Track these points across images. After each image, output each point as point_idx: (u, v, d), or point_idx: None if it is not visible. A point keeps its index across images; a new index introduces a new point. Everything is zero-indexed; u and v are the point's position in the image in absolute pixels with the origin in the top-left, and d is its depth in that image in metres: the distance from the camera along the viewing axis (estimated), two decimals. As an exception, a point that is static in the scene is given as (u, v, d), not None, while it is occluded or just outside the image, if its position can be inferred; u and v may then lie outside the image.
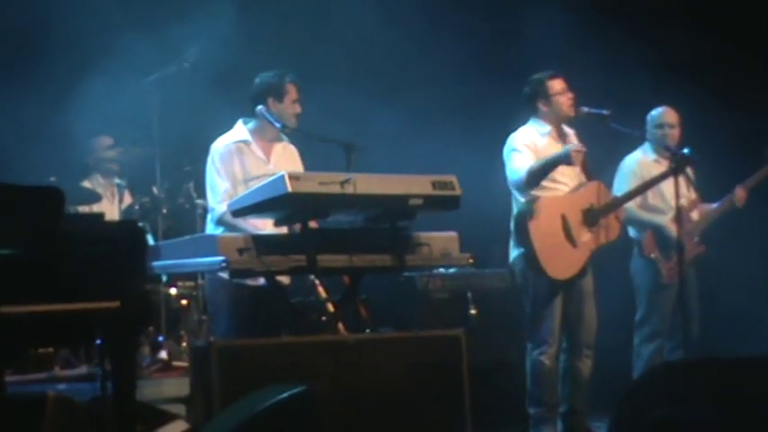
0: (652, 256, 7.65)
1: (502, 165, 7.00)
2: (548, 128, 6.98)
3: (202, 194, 6.96)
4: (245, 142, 6.44)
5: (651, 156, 7.77)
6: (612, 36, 8.54)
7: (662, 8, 8.94)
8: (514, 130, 7.04)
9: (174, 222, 7.74)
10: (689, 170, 7.50)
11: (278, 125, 6.38)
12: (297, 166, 6.52)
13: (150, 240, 7.16)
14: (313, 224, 5.73)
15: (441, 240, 5.79)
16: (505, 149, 7.00)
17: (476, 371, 5.76)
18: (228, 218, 6.01)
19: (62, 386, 6.29)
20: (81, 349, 6.95)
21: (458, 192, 5.67)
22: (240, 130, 6.48)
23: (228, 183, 6.32)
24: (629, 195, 7.35)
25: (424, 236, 5.75)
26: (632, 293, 7.80)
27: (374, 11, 8.43)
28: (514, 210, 6.95)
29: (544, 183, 6.87)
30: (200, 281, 7.48)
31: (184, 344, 7.52)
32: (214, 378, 5.14)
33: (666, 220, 7.58)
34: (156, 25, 7.90)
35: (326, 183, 5.39)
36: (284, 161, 6.46)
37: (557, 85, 6.99)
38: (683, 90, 7.99)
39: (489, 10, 8.99)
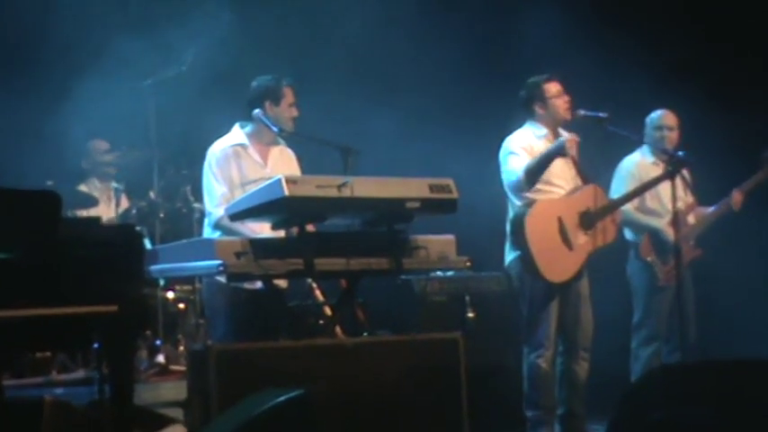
0: (649, 259, 7.66)
1: (499, 168, 7.00)
2: (544, 131, 6.98)
3: (199, 198, 6.97)
4: (243, 146, 6.44)
5: (649, 158, 7.78)
6: (610, 38, 8.54)
7: (660, 10, 8.94)
8: (512, 132, 7.04)
9: (172, 226, 7.74)
10: (686, 173, 7.51)
11: (275, 129, 6.38)
12: (294, 169, 6.52)
13: (147, 244, 7.16)
14: (310, 228, 5.73)
15: (438, 243, 5.79)
16: (501, 152, 7.00)
17: (473, 374, 5.76)
18: (226, 222, 6.00)
19: (59, 390, 6.30)
20: (78, 353, 6.95)
21: (455, 195, 5.66)
22: (237, 134, 6.48)
23: (225, 187, 6.32)
24: (626, 198, 7.36)
25: (422, 239, 5.75)
26: (629, 296, 7.80)
27: (371, 14, 8.43)
28: (510, 213, 6.95)
29: (540, 186, 6.87)
30: (197, 285, 7.49)
31: (182, 348, 7.52)
32: (212, 382, 5.13)
33: (664, 224, 7.58)
34: (152, 28, 7.90)
35: (324, 186, 5.39)
36: (281, 165, 6.45)
37: (553, 88, 6.99)
38: (680, 93, 7.99)
39: (486, 12, 8.99)
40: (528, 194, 6.87)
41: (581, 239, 6.88)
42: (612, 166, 7.83)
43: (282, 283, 6.27)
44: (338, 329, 5.99)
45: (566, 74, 7.13)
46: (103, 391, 4.95)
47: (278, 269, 5.48)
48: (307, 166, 6.58)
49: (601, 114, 6.93)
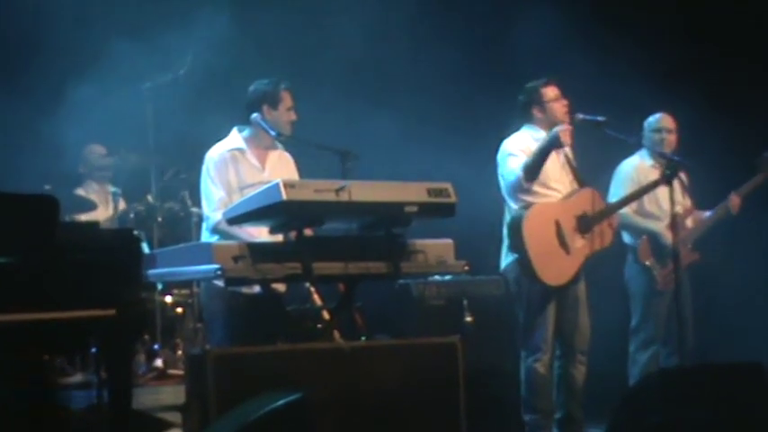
0: (647, 263, 7.66)
1: (497, 171, 7.00)
2: (542, 134, 6.98)
3: (197, 202, 6.96)
4: (240, 150, 6.43)
5: (648, 161, 7.78)
6: (608, 42, 8.55)
7: (658, 15, 8.95)
8: (510, 136, 7.04)
9: (170, 230, 7.74)
10: (683, 177, 7.51)
11: (273, 133, 6.38)
12: (292, 173, 6.52)
13: (145, 248, 7.15)
14: (308, 232, 5.73)
15: (436, 248, 5.78)
16: (500, 155, 7.00)
17: (472, 378, 5.76)
18: (224, 226, 6.00)
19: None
20: (77, 357, 6.95)
21: (453, 199, 5.66)
22: (235, 138, 6.48)
23: (223, 191, 6.31)
24: (622, 202, 7.36)
25: (420, 243, 5.74)
26: (627, 300, 7.80)
27: (368, 18, 8.44)
28: (507, 216, 6.95)
29: (537, 189, 6.88)
30: (195, 289, 7.48)
31: (180, 352, 7.52)
32: (210, 386, 5.13)
33: (662, 227, 7.58)
34: (150, 32, 7.90)
35: (321, 190, 5.38)
36: (279, 169, 6.45)
37: (551, 92, 7.00)
38: (678, 96, 8.00)
39: (485, 16, 8.99)
40: (525, 198, 6.87)
41: (578, 243, 6.89)
42: (611, 170, 7.84)
43: (280, 287, 6.27)
44: (336, 333, 5.98)
45: (564, 77, 7.14)
46: (102, 396, 4.96)
47: (276, 273, 5.48)
48: (305, 170, 6.58)
49: (599, 118, 6.93)
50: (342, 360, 5.41)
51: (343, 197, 5.40)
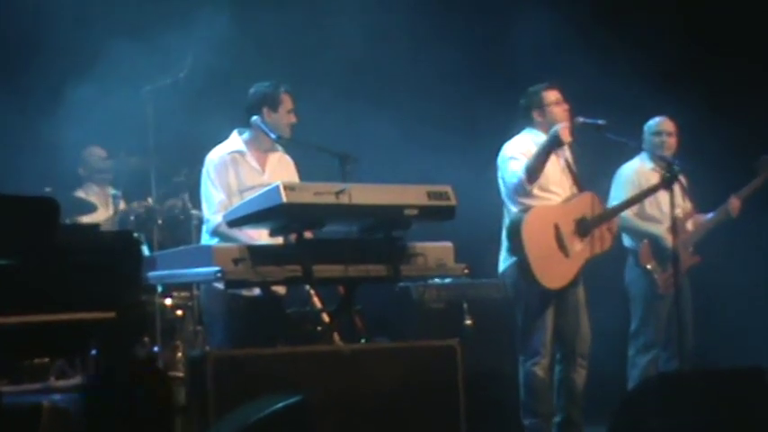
0: (648, 266, 7.65)
1: (496, 174, 7.00)
2: (543, 137, 6.97)
3: (198, 205, 6.96)
4: (240, 153, 6.43)
5: (648, 164, 7.77)
6: (608, 44, 8.55)
7: (658, 15, 8.95)
8: (510, 139, 7.04)
9: (170, 233, 7.73)
10: (683, 180, 7.51)
11: (273, 135, 6.38)
12: (292, 176, 6.52)
13: (145, 251, 7.15)
14: (308, 234, 5.73)
15: (436, 250, 5.79)
16: (500, 158, 7.00)
17: (471, 381, 5.76)
18: (224, 228, 6.01)
19: (57, 396, 6.28)
20: (76, 359, 6.94)
21: (453, 202, 5.66)
22: (235, 141, 6.48)
23: (223, 193, 6.32)
24: (622, 206, 7.35)
25: (420, 246, 5.75)
26: (626, 303, 7.80)
27: (368, 19, 8.44)
28: (506, 220, 6.95)
29: (537, 192, 6.87)
30: (195, 291, 7.47)
31: (180, 354, 7.51)
32: (210, 388, 5.14)
33: (663, 230, 7.58)
34: (150, 34, 7.89)
35: (321, 193, 5.39)
36: (279, 171, 6.45)
37: (552, 95, 7.00)
38: (678, 100, 8.01)
39: (484, 18, 8.99)
40: (525, 201, 6.87)
41: (577, 247, 6.89)
42: (611, 173, 7.83)
43: (280, 289, 6.27)
44: (336, 336, 6.00)
45: (564, 78, 7.14)
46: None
47: (276, 276, 5.49)
48: (305, 172, 6.58)
49: (599, 121, 6.92)
50: (341, 363, 5.42)
51: (344, 200, 5.40)
